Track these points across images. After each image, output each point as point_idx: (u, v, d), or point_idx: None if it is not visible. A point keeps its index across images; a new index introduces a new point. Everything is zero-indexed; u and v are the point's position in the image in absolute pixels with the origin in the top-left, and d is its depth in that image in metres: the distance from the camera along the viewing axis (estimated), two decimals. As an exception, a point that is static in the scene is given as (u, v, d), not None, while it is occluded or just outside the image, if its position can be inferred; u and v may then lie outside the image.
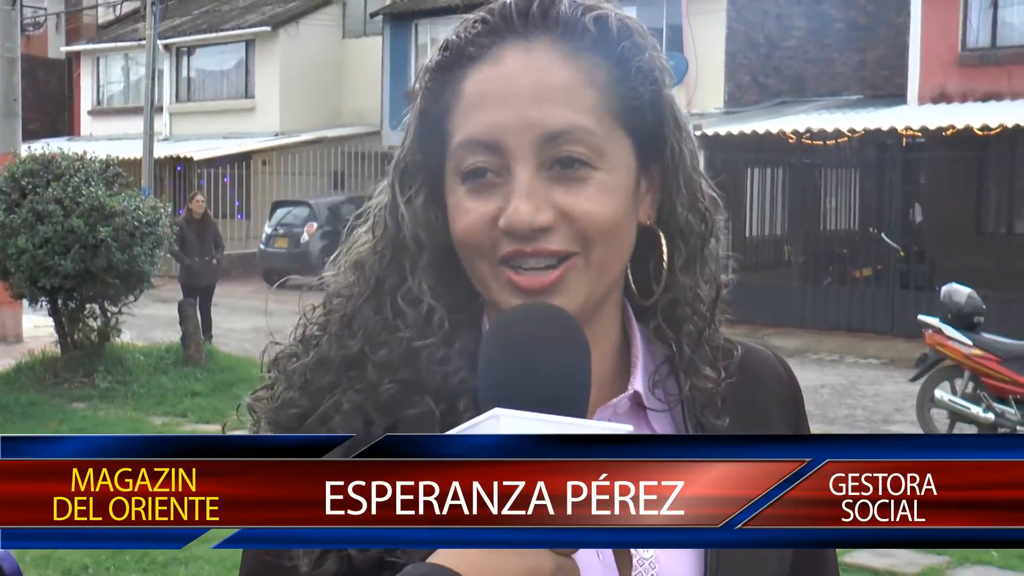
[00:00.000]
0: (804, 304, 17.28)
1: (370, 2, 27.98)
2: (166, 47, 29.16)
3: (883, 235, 17.21)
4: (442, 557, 0.93)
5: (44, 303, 11.73)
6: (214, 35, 29.43)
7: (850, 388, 13.14)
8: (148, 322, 14.86)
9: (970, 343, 9.70)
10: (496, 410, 0.93)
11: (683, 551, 1.15)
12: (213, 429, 9.75)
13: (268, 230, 23.98)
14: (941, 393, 9.96)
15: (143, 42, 24.94)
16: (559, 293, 1.10)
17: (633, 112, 1.14)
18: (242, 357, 12.72)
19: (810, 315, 17.09)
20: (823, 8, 22.25)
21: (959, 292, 9.95)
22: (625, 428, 0.95)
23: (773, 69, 22.09)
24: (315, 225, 23.19)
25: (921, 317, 10.44)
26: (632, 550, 1.10)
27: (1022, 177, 17.57)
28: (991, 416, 9.63)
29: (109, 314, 11.83)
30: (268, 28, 28.33)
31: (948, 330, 9.81)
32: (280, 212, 24.23)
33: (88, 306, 11.81)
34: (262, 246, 23.87)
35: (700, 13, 20.85)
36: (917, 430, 10.17)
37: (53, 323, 11.96)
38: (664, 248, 1.19)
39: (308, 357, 1.18)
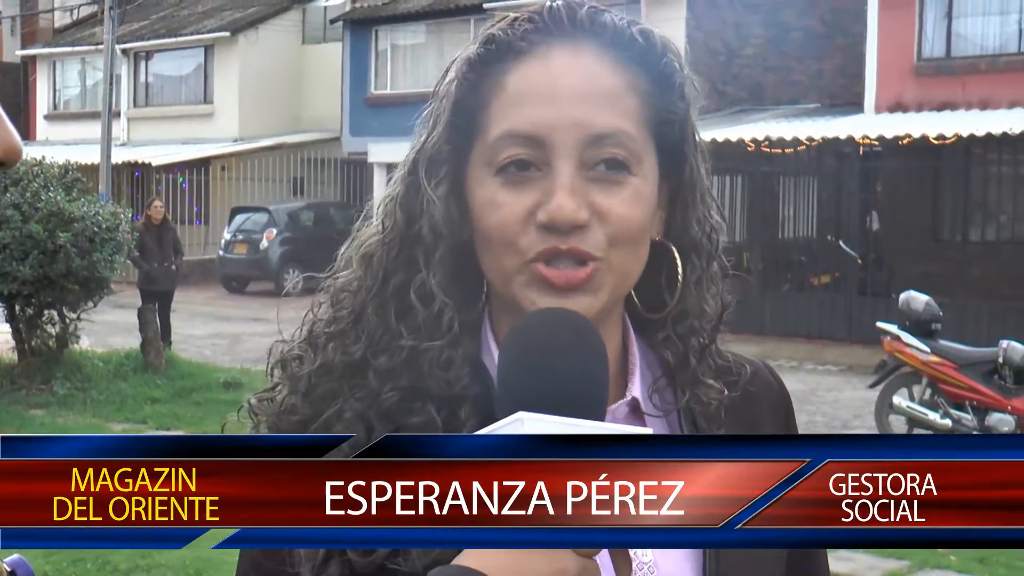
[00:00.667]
0: (763, 311, 17.33)
1: (330, 8, 27.95)
2: (124, 52, 28.99)
3: (841, 243, 17.40)
4: (468, 558, 0.94)
5: (1, 309, 11.64)
6: (173, 40, 29.30)
7: (809, 395, 13.18)
8: (107, 328, 14.77)
9: (928, 350, 9.79)
10: (520, 414, 0.93)
11: (682, 554, 1.17)
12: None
13: (227, 236, 23.89)
14: (899, 399, 10.04)
15: (100, 46, 24.76)
16: (588, 292, 1.12)
17: (665, 126, 1.17)
18: (202, 363, 12.71)
19: (769, 322, 17.17)
20: (781, 17, 22.42)
21: (917, 299, 10.04)
22: (644, 431, 0.96)
23: (732, 77, 22.21)
24: (274, 231, 23.13)
25: (879, 324, 10.51)
26: (631, 553, 1.10)
27: (977, 186, 17.77)
28: (948, 422, 9.71)
29: (68, 320, 11.77)
30: (227, 33, 28.24)
31: (906, 337, 9.88)
32: (239, 218, 24.16)
33: (46, 312, 11.74)
34: (221, 252, 23.78)
35: (659, 21, 20.85)
36: (876, 436, 10.34)
37: (10, 329, 11.87)
38: (678, 262, 1.21)
39: (313, 360, 1.18)
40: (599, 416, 1.01)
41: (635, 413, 1.21)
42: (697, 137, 1.22)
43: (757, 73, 22.58)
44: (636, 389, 1.21)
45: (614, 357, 1.21)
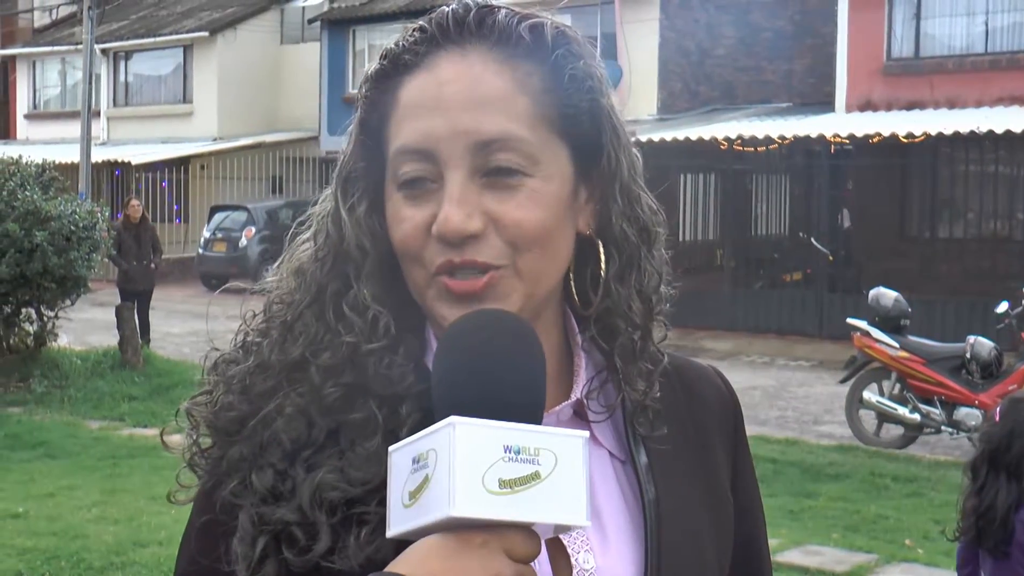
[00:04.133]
0: (735, 307, 17.47)
1: (308, 9, 27.88)
2: (103, 51, 28.90)
3: (812, 240, 17.42)
4: (401, 565, 0.94)
5: (-21, 307, 11.59)
6: (152, 40, 29.17)
7: (780, 390, 13.33)
8: (86, 326, 14.76)
9: (897, 345, 9.90)
10: (452, 418, 0.91)
11: (624, 561, 1.15)
12: (150, 434, 9.79)
13: (206, 234, 23.88)
14: (869, 394, 10.15)
15: (80, 46, 24.73)
16: (492, 300, 1.09)
17: (568, 120, 1.13)
18: (180, 361, 12.65)
19: (741, 318, 17.30)
20: (752, 18, 22.50)
21: (886, 296, 10.15)
22: (581, 434, 0.94)
23: (704, 77, 22.29)
24: (253, 229, 23.13)
25: (849, 320, 10.63)
26: (572, 560, 1.07)
27: (944, 183, 17.88)
28: (917, 417, 9.83)
29: (45, 318, 11.79)
30: (206, 33, 28.14)
31: (876, 333, 9.99)
32: (218, 216, 24.16)
33: (24, 310, 11.76)
34: (200, 250, 23.77)
35: (633, 22, 21.05)
36: (846, 431, 10.40)
37: (-12, 327, 11.85)
38: (602, 257, 1.18)
39: (248, 362, 1.17)
40: (536, 419, 0.97)
41: (580, 414, 1.19)
42: (618, 127, 1.17)
43: (729, 73, 22.66)
44: (580, 390, 1.19)
45: (555, 358, 1.18)
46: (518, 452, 0.91)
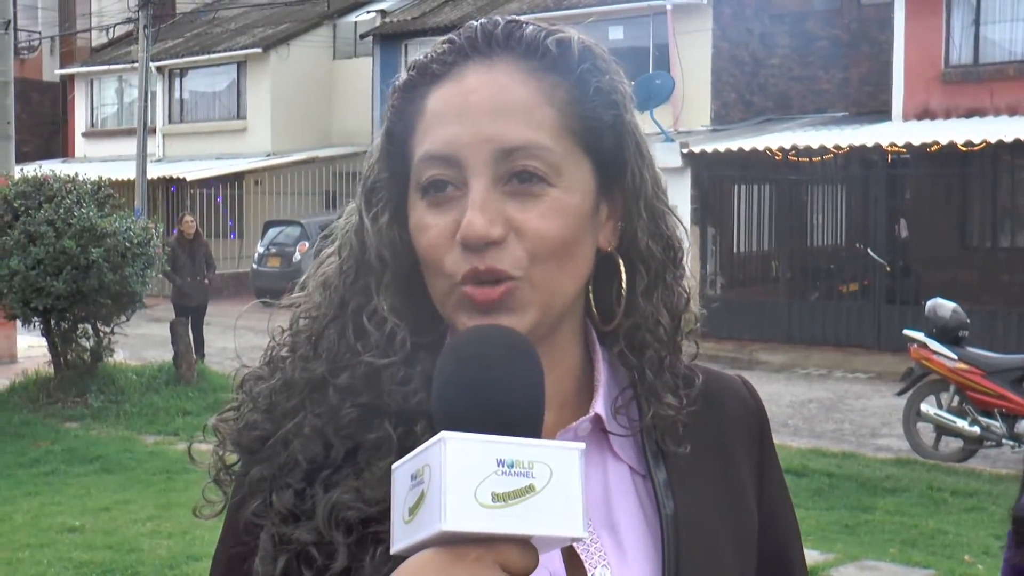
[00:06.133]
0: (791, 319, 17.36)
1: (360, 24, 28.09)
2: (159, 69, 29.30)
3: (869, 250, 17.27)
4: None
5: (37, 323, 11.79)
6: (206, 57, 29.54)
7: (837, 402, 13.23)
8: (141, 341, 14.98)
9: (955, 357, 9.75)
10: (443, 433, 0.92)
11: (640, 566, 1.15)
12: (205, 448, 9.81)
13: (260, 249, 24.09)
14: (927, 407, 10.00)
15: (136, 64, 25.06)
16: (509, 311, 1.10)
17: (592, 133, 1.14)
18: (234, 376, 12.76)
19: (797, 330, 17.19)
20: (807, 27, 22.36)
21: (944, 306, 10.00)
22: (576, 446, 0.94)
23: (758, 87, 22.21)
24: (307, 244, 23.25)
25: (906, 332, 10.49)
26: (589, 574, 1.08)
27: (1005, 192, 17.66)
28: (976, 429, 9.69)
29: (101, 334, 11.91)
30: (259, 50, 28.44)
31: (933, 344, 9.86)
32: (272, 232, 24.36)
33: (81, 326, 11.89)
34: (255, 265, 23.97)
35: (686, 32, 20.98)
36: (904, 444, 10.28)
37: (46, 343, 12.04)
38: (623, 273, 1.19)
39: (274, 379, 1.19)
40: (535, 432, 0.97)
41: (599, 429, 1.19)
42: (641, 144, 1.19)
43: (783, 83, 22.56)
44: (600, 405, 1.18)
45: (574, 372, 1.20)
46: (511, 465, 0.91)
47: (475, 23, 1.18)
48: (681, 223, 1.24)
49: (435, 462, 0.91)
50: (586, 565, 1.06)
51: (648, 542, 1.16)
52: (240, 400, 1.21)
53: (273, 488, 1.13)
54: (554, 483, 0.92)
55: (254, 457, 1.17)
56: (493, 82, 1.12)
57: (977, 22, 18.10)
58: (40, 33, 35.53)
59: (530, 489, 0.91)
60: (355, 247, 1.18)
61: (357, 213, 1.20)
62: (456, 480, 0.90)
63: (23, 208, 11.29)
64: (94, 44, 35.06)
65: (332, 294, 1.19)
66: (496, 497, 0.90)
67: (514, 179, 1.10)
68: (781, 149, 17.46)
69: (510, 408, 0.97)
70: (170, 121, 30.60)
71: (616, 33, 21.06)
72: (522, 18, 1.19)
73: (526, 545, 0.92)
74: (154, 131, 28.27)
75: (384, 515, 1.04)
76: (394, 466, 0.97)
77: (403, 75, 1.19)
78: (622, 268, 1.19)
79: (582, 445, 0.94)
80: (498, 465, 0.91)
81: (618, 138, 1.16)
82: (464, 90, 1.13)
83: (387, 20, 26.55)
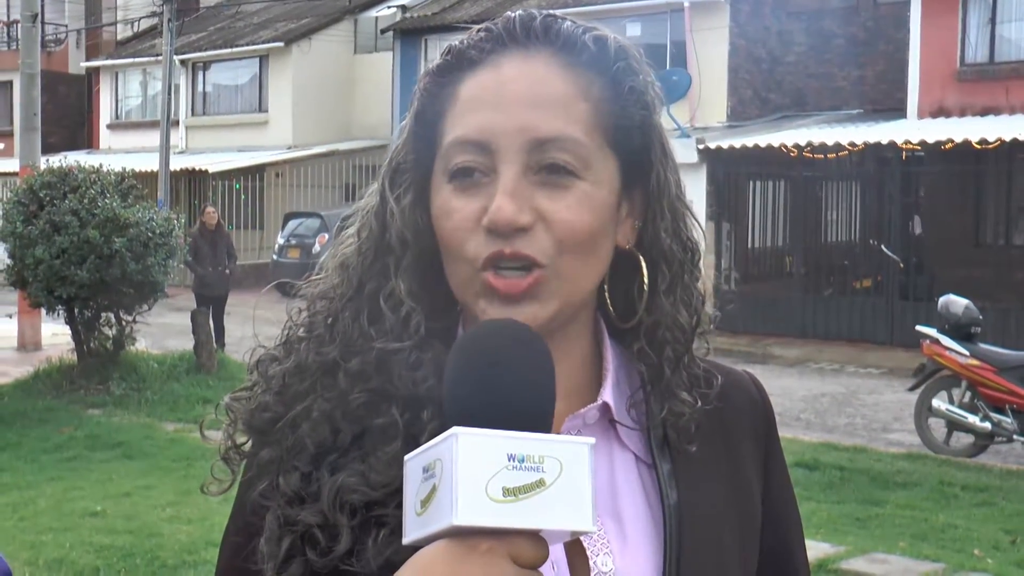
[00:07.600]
0: (805, 314, 17.39)
1: (381, 18, 28.08)
2: (182, 62, 29.47)
3: (883, 247, 17.28)
4: (407, 571, 0.96)
5: (61, 312, 11.89)
6: (229, 51, 29.69)
7: (849, 397, 13.24)
8: (163, 330, 15.05)
9: (967, 353, 9.76)
10: (454, 429, 0.92)
11: (643, 564, 1.16)
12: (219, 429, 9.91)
13: (281, 241, 24.24)
14: (939, 403, 10.00)
15: (160, 58, 25.25)
16: (534, 300, 1.11)
17: (621, 132, 1.15)
18: (254, 365, 12.82)
19: (811, 325, 17.23)
20: (824, 24, 22.30)
21: (956, 303, 10.02)
22: (586, 441, 0.95)
23: (775, 84, 22.19)
24: (327, 236, 23.33)
25: (919, 328, 10.49)
26: (591, 562, 1.10)
27: (1019, 190, 17.62)
28: (988, 425, 9.69)
29: (124, 323, 12.01)
30: (281, 44, 28.57)
31: (946, 340, 9.87)
32: (292, 223, 24.50)
33: (103, 315, 11.99)
34: (275, 256, 24.12)
35: (703, 29, 20.99)
36: (915, 439, 10.29)
37: (70, 331, 12.15)
38: (645, 271, 1.19)
39: (288, 361, 1.19)
40: (546, 426, 0.98)
41: (606, 418, 1.20)
42: (666, 146, 1.20)
43: (799, 80, 22.52)
44: (607, 394, 1.19)
45: (585, 363, 1.21)
46: (522, 460, 0.92)
47: (512, 14, 1.18)
48: (697, 223, 1.24)
49: (447, 456, 0.91)
50: (589, 552, 1.06)
51: (651, 531, 1.17)
52: (254, 380, 1.21)
53: (280, 470, 1.14)
54: (564, 477, 0.92)
55: (264, 439, 1.17)
56: (531, 73, 1.13)
57: (993, 21, 18.07)
58: (67, 26, 35.71)
59: (540, 483, 0.91)
60: (375, 228, 1.19)
61: (379, 194, 1.20)
62: (467, 475, 0.90)
63: (48, 198, 11.40)
64: (119, 37, 35.17)
65: (350, 274, 1.19)
66: (507, 491, 0.91)
67: (544, 170, 1.11)
68: (796, 146, 17.45)
69: (521, 403, 0.97)
70: (193, 114, 30.74)
71: (633, 29, 21.06)
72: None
73: (536, 538, 0.93)
74: (177, 123, 28.39)
75: (388, 498, 1.09)
76: (406, 458, 0.98)
77: (437, 60, 1.19)
78: (644, 266, 1.20)
79: (592, 440, 0.95)
80: (509, 460, 0.91)
81: (645, 138, 1.17)
82: (501, 79, 1.13)
83: (407, 15, 26.59)
